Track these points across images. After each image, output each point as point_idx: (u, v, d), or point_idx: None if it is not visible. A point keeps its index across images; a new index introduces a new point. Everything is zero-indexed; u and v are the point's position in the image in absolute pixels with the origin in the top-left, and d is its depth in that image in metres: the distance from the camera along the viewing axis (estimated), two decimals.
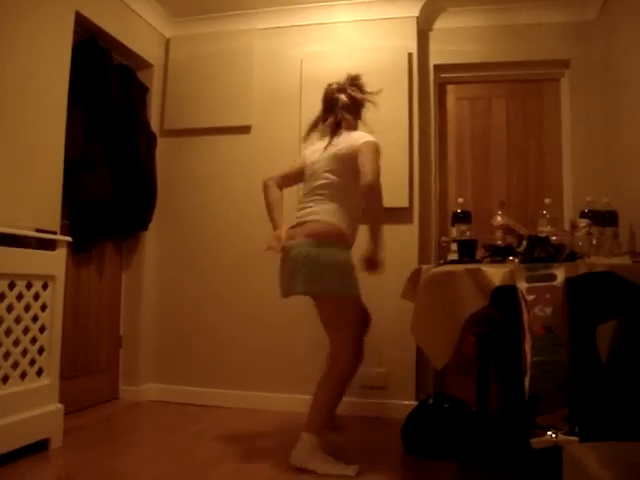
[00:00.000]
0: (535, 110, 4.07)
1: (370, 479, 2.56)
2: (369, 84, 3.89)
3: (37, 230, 2.89)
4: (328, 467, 2.59)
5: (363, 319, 2.94)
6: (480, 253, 2.58)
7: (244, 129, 4.12)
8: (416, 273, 2.86)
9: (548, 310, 1.99)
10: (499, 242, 2.65)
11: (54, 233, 3.01)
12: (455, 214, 2.91)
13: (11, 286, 2.65)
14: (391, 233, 3.81)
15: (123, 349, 4.08)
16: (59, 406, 2.93)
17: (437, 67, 4.10)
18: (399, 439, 2.99)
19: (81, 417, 3.45)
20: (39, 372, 2.82)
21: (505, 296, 2.08)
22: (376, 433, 3.33)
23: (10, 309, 2.64)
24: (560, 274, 2.03)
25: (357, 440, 3.20)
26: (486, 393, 3.06)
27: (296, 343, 3.90)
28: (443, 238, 3.61)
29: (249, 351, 3.93)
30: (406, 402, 3.55)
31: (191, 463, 2.75)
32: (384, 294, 3.74)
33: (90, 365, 3.77)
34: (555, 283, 2.03)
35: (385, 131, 3.84)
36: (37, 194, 3.09)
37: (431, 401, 3.03)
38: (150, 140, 4.07)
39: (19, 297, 2.70)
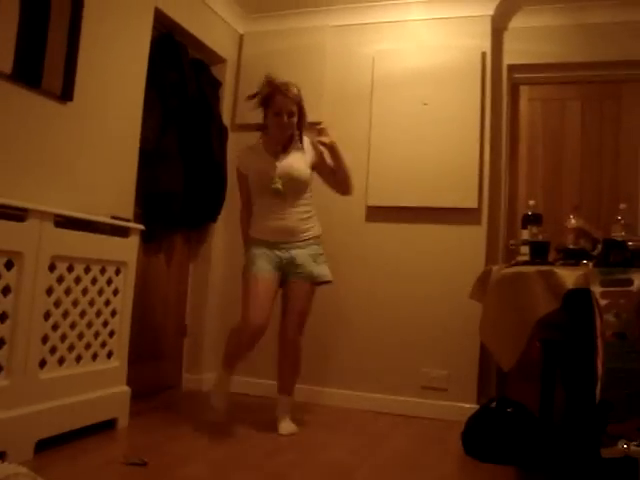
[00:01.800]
0: (612, 112, 3.94)
1: (428, 477, 2.54)
2: (442, 83, 3.89)
3: (112, 217, 2.99)
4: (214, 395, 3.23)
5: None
6: (552, 256, 2.53)
7: (314, 125, 4.14)
8: (486, 273, 2.82)
9: (623, 316, 1.93)
10: (572, 245, 2.58)
11: (128, 221, 3.11)
12: (526, 216, 2.87)
13: (87, 270, 2.75)
14: (458, 234, 3.80)
15: (187, 338, 4.17)
16: (126, 388, 3.02)
17: (511, 67, 4.02)
18: (459, 441, 2.95)
19: (144, 402, 3.54)
20: (109, 354, 2.92)
21: (577, 300, 2.03)
22: (436, 434, 3.30)
23: (85, 292, 2.74)
24: (637, 279, 1.97)
25: (417, 440, 3.18)
26: (551, 399, 2.99)
27: (362, 337, 3.90)
28: (511, 241, 3.54)
29: (314, 343, 3.94)
30: (468, 405, 3.50)
31: (252, 450, 2.79)
32: (449, 294, 3.71)
33: (155, 352, 3.87)
34: (631, 288, 1.96)
35: (456, 130, 3.83)
36: (113, 183, 3.19)
37: (494, 405, 2.98)
38: (222, 134, 4.14)
39: (93, 281, 2.79)
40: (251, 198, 3.26)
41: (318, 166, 3.23)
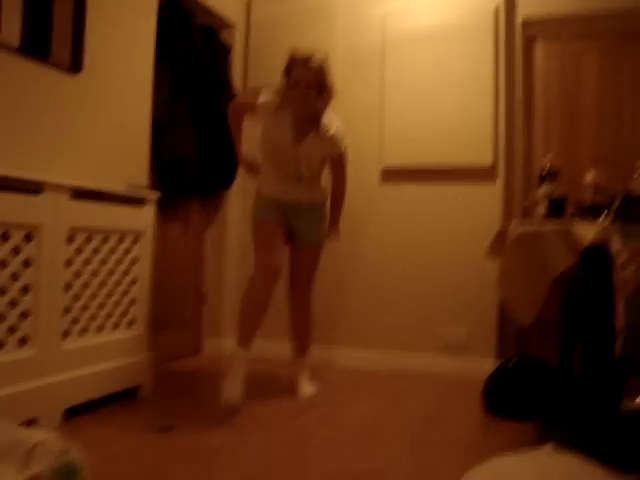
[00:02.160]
0: (631, 66, 3.85)
1: (451, 437, 2.57)
2: (455, 40, 3.82)
3: (128, 185, 3.00)
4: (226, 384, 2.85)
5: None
6: (570, 212, 2.51)
7: None
8: (502, 231, 2.81)
9: None
10: (589, 201, 2.56)
11: (144, 188, 3.12)
12: (542, 172, 2.84)
13: (104, 240, 2.77)
14: (473, 192, 3.77)
15: (207, 304, 4.21)
16: (149, 356, 3.07)
17: (525, 22, 3.91)
18: (480, 399, 2.97)
19: (167, 368, 3.60)
20: (131, 323, 2.96)
21: (596, 256, 2.02)
22: (457, 392, 3.33)
23: (104, 262, 2.77)
24: None
25: (438, 399, 3.21)
26: (570, 355, 3.00)
27: (379, 297, 3.92)
28: (525, 202, 3.52)
29: (329, 303, 3.96)
30: (488, 363, 3.51)
31: (274, 413, 2.84)
32: (466, 253, 3.70)
33: (174, 320, 3.92)
34: None
35: (469, 87, 3.78)
36: (126, 152, 3.20)
37: (513, 361, 2.99)
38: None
39: (112, 251, 2.82)
40: (261, 153, 3.19)
41: (332, 164, 3.19)
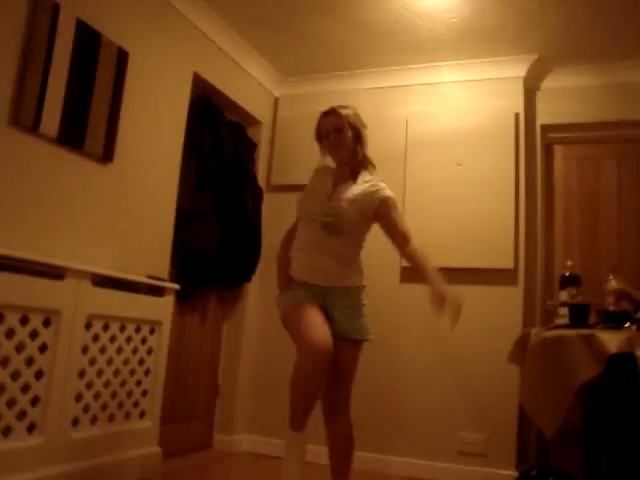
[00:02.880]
0: None
1: None
2: (475, 144, 3.91)
3: (148, 277, 3.02)
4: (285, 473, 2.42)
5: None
6: (593, 318, 2.47)
7: None
8: (524, 336, 2.76)
9: None
10: (612, 308, 2.52)
11: (163, 280, 3.13)
12: (564, 277, 2.82)
13: (122, 329, 2.77)
14: (495, 294, 3.74)
15: (220, 398, 4.13)
16: (158, 449, 2.99)
17: (544, 127, 4.02)
18: None
19: (175, 462, 3.49)
20: (142, 414, 2.90)
21: (621, 365, 1.97)
22: None
23: (120, 351, 2.75)
24: None
25: None
26: (596, 467, 2.87)
27: (397, 400, 3.83)
28: (549, 302, 3.48)
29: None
30: (507, 472, 3.38)
31: None
32: (486, 357, 3.63)
33: (187, 411, 3.84)
34: None
35: (490, 191, 3.82)
36: (150, 242, 3.24)
37: (534, 473, 2.87)
38: (257, 194, 4.20)
39: (128, 340, 2.81)
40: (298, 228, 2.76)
41: (381, 217, 2.72)
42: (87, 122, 2.76)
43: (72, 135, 2.69)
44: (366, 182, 2.68)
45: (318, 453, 2.87)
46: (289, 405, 2.48)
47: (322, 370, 2.40)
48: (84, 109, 2.75)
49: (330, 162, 2.76)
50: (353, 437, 2.58)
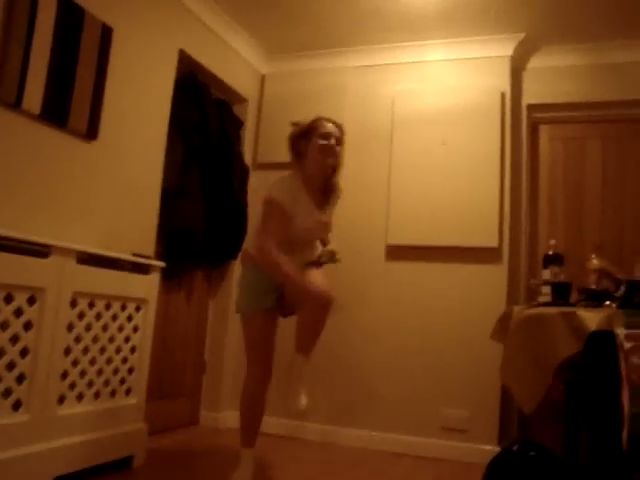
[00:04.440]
0: (633, 151, 3.94)
1: None
2: (461, 123, 3.91)
3: (133, 254, 3.02)
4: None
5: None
6: (574, 297, 2.50)
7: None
8: (507, 314, 2.79)
9: None
10: (594, 286, 2.55)
11: (149, 258, 3.13)
12: (547, 256, 2.85)
13: (107, 307, 2.76)
14: (479, 273, 3.77)
15: (206, 375, 4.16)
16: (144, 426, 3.01)
17: (530, 107, 4.04)
18: None
19: (162, 439, 3.52)
20: (128, 391, 2.91)
21: (601, 342, 2.00)
22: (456, 477, 3.23)
23: (105, 328, 2.75)
24: None
25: None
26: (575, 443, 2.92)
27: (380, 376, 3.87)
28: (532, 280, 3.52)
29: (331, 382, 3.91)
30: (489, 447, 3.43)
31: None
32: (470, 334, 3.67)
33: (174, 388, 3.86)
34: None
35: (476, 170, 3.84)
36: (135, 220, 3.23)
37: (516, 448, 2.91)
38: (243, 172, 4.19)
39: (114, 317, 2.81)
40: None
41: None
42: (71, 98, 2.74)
43: (55, 111, 2.66)
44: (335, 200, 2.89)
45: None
46: (241, 426, 2.77)
47: (265, 394, 2.78)
48: (67, 85, 2.72)
49: (294, 178, 2.74)
50: (324, 326, 2.70)
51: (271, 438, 3.75)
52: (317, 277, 2.74)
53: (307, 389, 2.71)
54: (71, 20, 2.72)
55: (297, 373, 2.69)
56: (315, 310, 2.65)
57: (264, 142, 4.41)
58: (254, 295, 2.75)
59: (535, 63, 4.03)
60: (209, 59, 3.90)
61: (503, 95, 3.90)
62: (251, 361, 2.78)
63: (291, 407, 2.66)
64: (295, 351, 2.71)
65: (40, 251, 2.38)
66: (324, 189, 2.81)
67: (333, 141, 2.73)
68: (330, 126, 2.76)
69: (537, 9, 3.57)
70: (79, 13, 2.76)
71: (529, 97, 4.02)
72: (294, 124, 2.84)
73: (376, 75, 4.24)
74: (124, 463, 2.87)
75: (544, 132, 4.14)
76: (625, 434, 1.84)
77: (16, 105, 2.47)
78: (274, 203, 2.64)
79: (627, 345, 1.93)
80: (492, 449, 3.30)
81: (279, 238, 2.62)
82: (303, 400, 2.67)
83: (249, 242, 2.94)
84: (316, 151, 2.72)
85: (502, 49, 3.95)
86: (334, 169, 2.79)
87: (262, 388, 2.78)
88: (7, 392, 2.25)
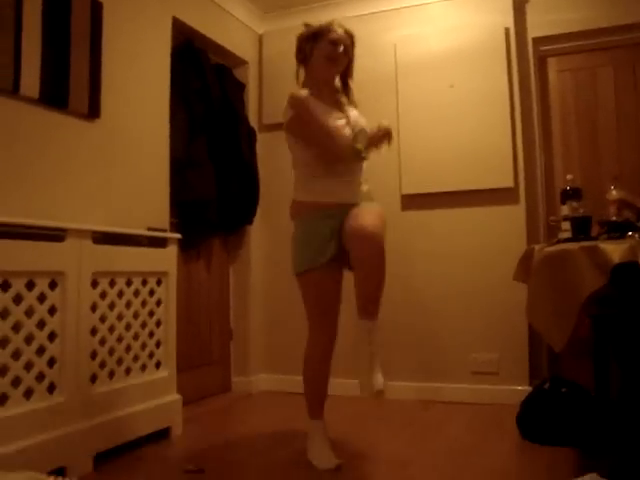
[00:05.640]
0: None
1: (486, 464, 2.51)
2: (466, 64, 3.82)
3: (149, 229, 3.02)
4: (313, 454, 2.54)
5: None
6: (595, 230, 2.46)
7: None
8: (528, 254, 2.76)
9: None
10: (615, 217, 2.51)
11: (164, 231, 3.13)
12: (564, 191, 2.80)
13: (128, 283, 2.78)
14: (496, 214, 3.74)
15: (234, 341, 4.20)
16: (178, 396, 3.05)
17: (536, 40, 3.92)
18: (514, 425, 2.90)
19: (197, 408, 3.58)
20: (157, 364, 2.95)
21: (625, 274, 1.97)
22: (490, 420, 3.26)
23: (128, 305, 2.77)
24: None
25: (471, 427, 3.14)
26: (605, 377, 2.92)
27: (406, 325, 3.87)
28: (551, 218, 3.46)
29: (351, 334, 3.92)
30: (520, 387, 3.45)
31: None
32: (493, 277, 3.66)
33: (203, 358, 3.90)
34: None
35: (485, 110, 3.77)
36: (147, 194, 3.22)
37: (547, 386, 2.92)
38: (250, 135, 4.15)
39: (136, 293, 2.82)
40: (303, 158, 2.59)
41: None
42: (68, 79, 2.70)
43: (54, 94, 2.63)
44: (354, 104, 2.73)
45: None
46: (306, 396, 2.59)
47: (330, 358, 2.55)
48: (63, 66, 2.68)
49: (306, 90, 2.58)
50: (384, 261, 2.37)
51: (292, 395, 3.80)
52: (365, 214, 2.42)
53: (381, 364, 2.35)
54: (59, 0, 2.67)
55: (366, 345, 2.34)
56: (363, 250, 2.32)
57: (268, 103, 4.35)
58: (309, 249, 2.50)
59: None
60: (204, 24, 3.83)
61: (507, 31, 3.80)
62: (314, 325, 2.56)
63: (365, 389, 2.31)
64: (358, 317, 2.37)
65: (56, 235, 2.39)
66: (335, 96, 2.68)
67: (341, 49, 2.55)
68: (341, 32, 2.58)
69: None
70: None
71: (534, 30, 3.90)
72: (306, 25, 2.67)
73: (376, 23, 4.14)
74: (162, 434, 2.92)
75: (552, 65, 4.02)
76: None
77: (14, 91, 2.44)
78: (301, 99, 2.51)
79: None
80: (524, 389, 3.31)
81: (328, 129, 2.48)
82: (379, 379, 2.30)
83: (295, 191, 2.65)
84: (322, 56, 2.57)
85: None
86: (344, 77, 2.68)
87: (327, 354, 2.57)
88: (40, 376, 2.29)
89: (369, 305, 2.36)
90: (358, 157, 2.52)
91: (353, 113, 2.65)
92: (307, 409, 2.59)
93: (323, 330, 2.55)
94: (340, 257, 2.51)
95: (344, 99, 2.70)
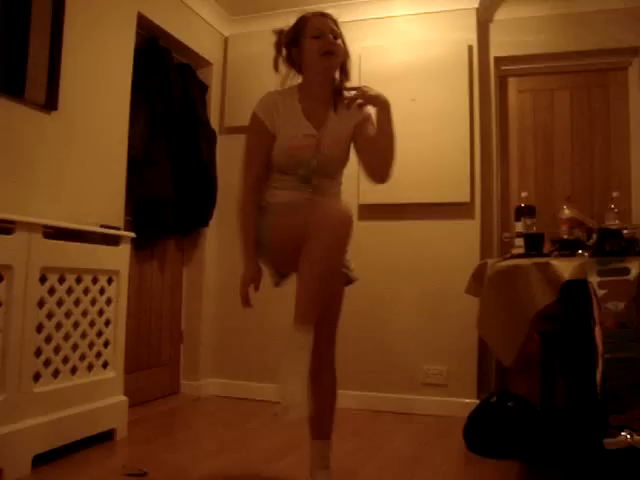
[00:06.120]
0: (601, 101, 3.93)
1: (432, 476, 2.52)
2: (429, 78, 3.86)
3: (102, 226, 2.96)
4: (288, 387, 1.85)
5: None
6: (547, 247, 2.51)
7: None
8: (481, 268, 2.80)
9: (621, 305, 1.92)
10: (566, 236, 2.57)
11: (118, 229, 3.07)
12: (519, 208, 2.85)
13: (78, 280, 2.71)
14: (452, 228, 3.78)
15: (184, 344, 4.14)
16: (124, 398, 2.99)
17: (498, 59, 4.00)
18: (461, 438, 2.93)
19: (143, 410, 3.51)
20: (105, 365, 2.88)
21: (575, 291, 2.01)
22: (437, 431, 3.28)
23: (77, 303, 2.71)
24: (634, 268, 1.96)
25: (418, 438, 3.16)
26: (551, 391, 2.98)
27: (357, 335, 3.88)
28: (505, 234, 3.52)
29: None
30: (468, 400, 3.48)
31: (254, 456, 2.77)
32: (445, 289, 3.69)
33: (152, 359, 3.84)
34: (629, 277, 1.95)
35: (445, 125, 3.81)
36: (102, 191, 3.16)
37: (494, 399, 2.96)
38: (210, 137, 4.12)
39: (85, 291, 2.76)
40: (267, 171, 2.20)
41: (359, 132, 2.29)
42: (26, 69, 2.63)
43: (10, 83, 2.57)
44: (344, 109, 2.23)
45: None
46: (302, 293, 1.93)
47: (349, 237, 1.99)
48: (21, 55, 2.62)
49: (292, 81, 2.24)
50: (335, 388, 2.32)
51: (241, 401, 3.78)
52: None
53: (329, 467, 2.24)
54: None
55: (321, 460, 2.25)
56: (318, 376, 2.15)
57: (231, 106, 4.32)
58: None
59: (502, 15, 3.98)
60: (169, 22, 3.78)
61: (470, 48, 3.86)
62: (312, 225, 1.91)
63: None
64: (311, 438, 2.29)
65: (4, 227, 2.32)
66: (329, 98, 2.22)
67: (329, 35, 2.13)
68: (320, 19, 2.18)
69: None
70: None
71: (496, 50, 3.99)
72: (277, 32, 2.28)
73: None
74: (106, 436, 2.86)
75: (512, 84, 4.11)
76: (599, 379, 1.86)
77: None
78: (253, 118, 2.18)
79: (600, 292, 1.94)
80: (471, 402, 3.35)
81: (260, 163, 2.15)
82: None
83: None
84: (314, 54, 2.13)
85: (468, 1, 3.89)
86: (343, 69, 2.24)
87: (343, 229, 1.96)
88: None
89: (323, 424, 2.27)
90: (304, 180, 2.15)
91: (333, 123, 2.20)
92: (300, 315, 1.90)
93: (327, 214, 1.95)
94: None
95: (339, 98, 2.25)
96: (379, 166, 2.31)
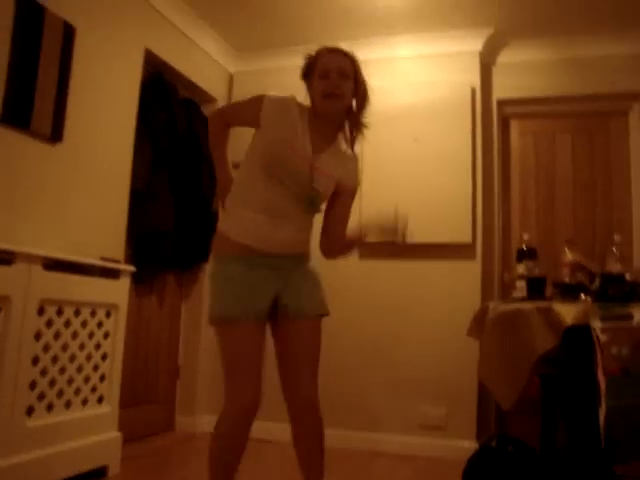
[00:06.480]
0: (602, 144, 3.96)
1: None
2: (432, 119, 3.90)
3: (102, 258, 2.95)
4: None
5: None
6: (549, 291, 2.50)
7: None
8: (483, 310, 2.78)
9: (625, 351, 1.90)
10: (568, 279, 2.55)
11: (118, 262, 3.06)
12: (521, 250, 2.84)
13: (76, 313, 2.70)
14: (453, 269, 3.77)
15: (180, 380, 4.09)
16: (118, 434, 2.94)
17: (500, 102, 4.05)
18: None
19: (138, 446, 3.45)
20: (100, 399, 2.85)
21: (577, 336, 2.00)
22: (436, 473, 3.22)
23: (75, 336, 2.68)
24: (637, 314, 1.94)
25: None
26: (552, 436, 2.93)
27: (357, 375, 3.84)
28: (506, 275, 3.52)
29: None
30: (467, 443, 3.43)
31: None
32: (446, 331, 3.66)
33: (147, 395, 3.79)
34: (632, 323, 1.94)
35: (447, 166, 3.83)
36: (103, 223, 3.16)
37: (494, 443, 2.91)
38: (213, 173, 4.12)
39: (84, 324, 2.74)
40: (250, 175, 2.16)
41: (340, 192, 2.20)
42: (33, 100, 2.66)
43: (17, 114, 2.59)
44: (344, 151, 2.19)
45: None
46: (210, 469, 2.10)
47: (248, 432, 2.05)
48: (29, 87, 2.64)
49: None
50: (323, 433, 2.19)
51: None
52: (307, 364, 2.12)
53: None
54: (31, 19, 2.65)
55: None
56: (300, 415, 2.13)
57: (233, 142, 4.30)
58: (237, 294, 1.98)
59: (504, 58, 4.04)
60: (176, 58, 3.83)
61: (473, 90, 3.91)
62: (226, 386, 2.02)
63: None
64: None
65: (4, 258, 2.31)
66: (332, 134, 2.18)
67: (334, 75, 2.06)
68: (329, 57, 2.10)
69: (506, 3, 3.57)
70: (39, 11, 2.69)
71: (499, 92, 4.04)
72: (306, 58, 2.23)
73: None
74: (99, 473, 2.80)
75: (515, 126, 4.15)
76: (602, 427, 1.83)
77: None
78: (258, 98, 2.18)
79: (603, 338, 1.93)
80: (470, 445, 3.30)
81: (230, 120, 2.25)
82: None
83: (222, 214, 2.22)
84: (317, 95, 2.09)
85: (471, 44, 3.95)
86: (341, 113, 2.16)
87: (248, 419, 2.02)
88: None
89: (312, 466, 2.20)
90: (306, 204, 2.08)
91: (330, 156, 2.13)
92: None
93: (247, 389, 2.02)
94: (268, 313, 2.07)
95: (342, 137, 2.22)
96: (329, 245, 2.30)
